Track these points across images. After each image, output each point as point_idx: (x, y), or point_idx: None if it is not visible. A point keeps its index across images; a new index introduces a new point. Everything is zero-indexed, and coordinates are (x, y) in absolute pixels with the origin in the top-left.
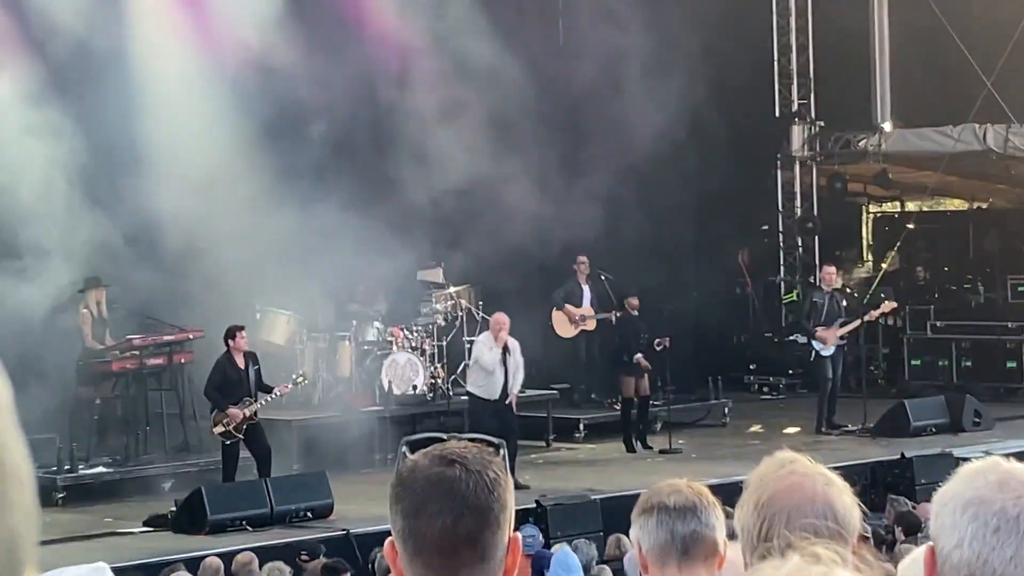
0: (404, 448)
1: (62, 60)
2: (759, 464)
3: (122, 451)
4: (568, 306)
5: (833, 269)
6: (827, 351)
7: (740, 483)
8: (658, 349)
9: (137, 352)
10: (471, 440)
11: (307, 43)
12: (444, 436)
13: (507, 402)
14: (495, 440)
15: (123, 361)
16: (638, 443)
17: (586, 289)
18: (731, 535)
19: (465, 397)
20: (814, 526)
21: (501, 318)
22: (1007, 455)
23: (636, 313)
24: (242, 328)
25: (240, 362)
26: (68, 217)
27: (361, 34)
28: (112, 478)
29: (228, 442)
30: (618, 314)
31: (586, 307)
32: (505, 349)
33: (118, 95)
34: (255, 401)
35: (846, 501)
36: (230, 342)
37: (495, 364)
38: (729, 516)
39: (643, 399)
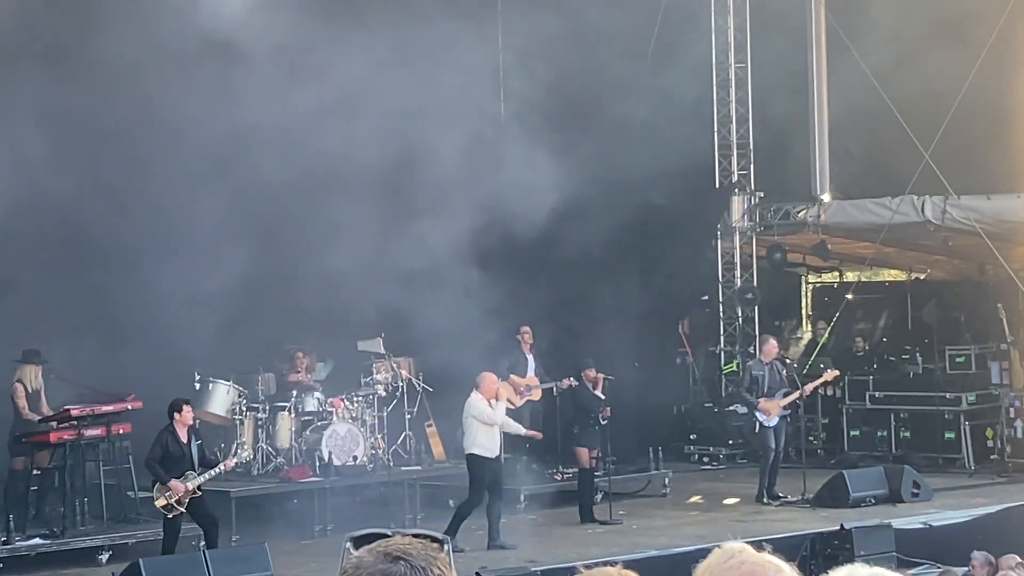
0: (348, 544)
1: None
2: (706, 557)
3: (59, 523)
4: (513, 376)
5: (774, 342)
6: (771, 422)
7: (680, 555)
8: (603, 422)
9: (75, 422)
10: (415, 535)
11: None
12: (388, 532)
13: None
14: (439, 536)
15: (60, 432)
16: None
17: (530, 359)
18: None
19: (409, 468)
20: None
21: (494, 377)
22: (944, 526)
23: (591, 384)
24: (187, 402)
25: (183, 436)
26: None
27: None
28: (49, 550)
29: (170, 515)
30: (575, 383)
31: (531, 376)
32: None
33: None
34: (198, 475)
35: None
36: (176, 415)
37: (494, 418)
38: None
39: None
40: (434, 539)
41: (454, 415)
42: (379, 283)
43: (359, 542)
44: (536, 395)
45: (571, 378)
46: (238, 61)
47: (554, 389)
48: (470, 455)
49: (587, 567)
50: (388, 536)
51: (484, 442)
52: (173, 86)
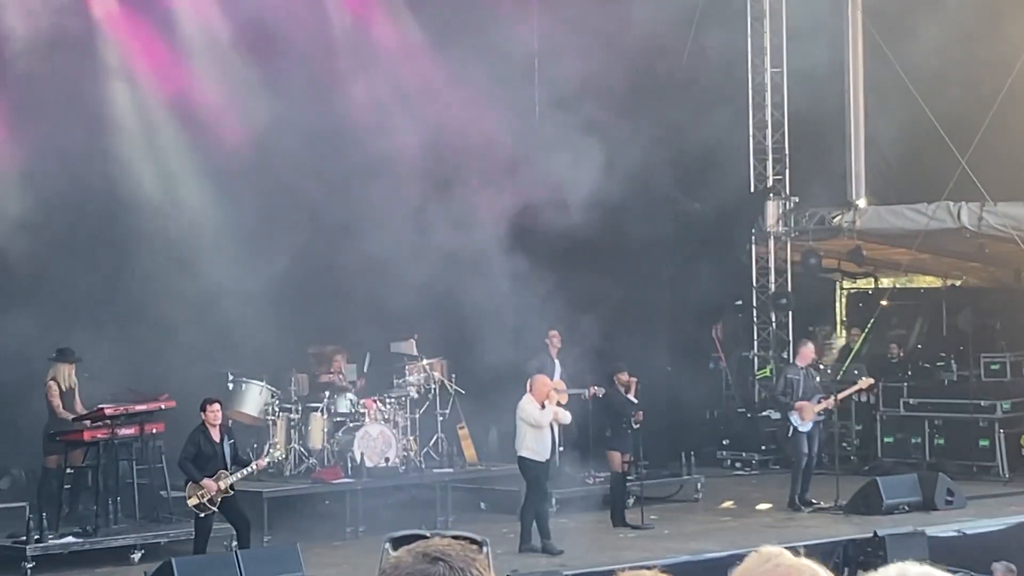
0: (387, 545)
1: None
2: (742, 561)
3: (92, 521)
4: None
5: (812, 346)
6: (804, 427)
7: (712, 560)
8: (635, 426)
9: (109, 421)
10: (454, 537)
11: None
12: (427, 533)
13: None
14: (478, 537)
15: (94, 430)
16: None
17: (557, 363)
18: None
19: (441, 470)
20: None
21: (547, 379)
22: (979, 534)
23: (623, 388)
24: (214, 401)
25: (215, 435)
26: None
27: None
28: (82, 548)
29: (202, 515)
30: (600, 392)
31: (557, 380)
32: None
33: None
34: (230, 474)
35: None
36: (202, 414)
37: (540, 420)
38: None
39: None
40: (473, 540)
41: (486, 418)
42: (412, 284)
43: (398, 543)
44: (563, 399)
45: (597, 387)
46: (275, 51)
47: (583, 395)
48: (520, 458)
49: (622, 571)
50: (427, 537)
51: (533, 445)
52: (213, 78)
